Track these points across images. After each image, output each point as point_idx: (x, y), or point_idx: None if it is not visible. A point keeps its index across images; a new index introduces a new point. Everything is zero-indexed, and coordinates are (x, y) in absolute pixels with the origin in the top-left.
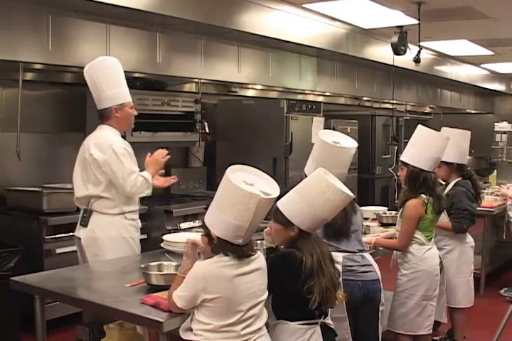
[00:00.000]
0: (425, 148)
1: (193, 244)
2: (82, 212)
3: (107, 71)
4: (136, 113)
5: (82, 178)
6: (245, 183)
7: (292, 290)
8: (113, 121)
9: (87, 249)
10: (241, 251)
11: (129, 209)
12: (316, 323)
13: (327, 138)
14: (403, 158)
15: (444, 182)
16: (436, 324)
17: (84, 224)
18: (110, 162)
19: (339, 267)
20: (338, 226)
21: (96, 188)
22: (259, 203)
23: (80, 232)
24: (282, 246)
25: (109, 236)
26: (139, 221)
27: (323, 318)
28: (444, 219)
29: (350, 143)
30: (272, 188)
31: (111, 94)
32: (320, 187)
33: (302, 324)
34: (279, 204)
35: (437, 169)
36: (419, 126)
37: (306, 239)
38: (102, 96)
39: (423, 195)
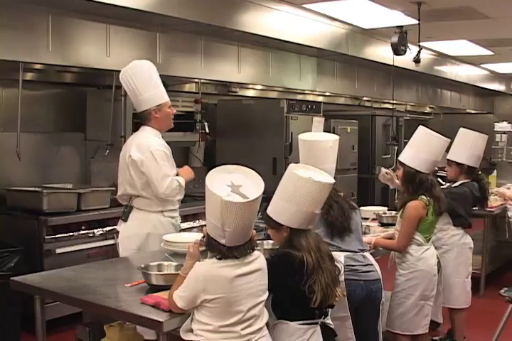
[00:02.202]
0: (422, 149)
1: (195, 244)
2: (124, 207)
3: (141, 74)
4: (175, 111)
5: (121, 178)
6: (230, 186)
7: (293, 290)
8: (153, 122)
9: (122, 243)
10: (225, 252)
11: (167, 208)
12: (316, 323)
13: (303, 136)
14: (400, 157)
15: (444, 183)
16: (436, 324)
17: (125, 219)
18: (147, 164)
19: (339, 265)
20: (340, 224)
21: (132, 189)
22: (224, 206)
23: (120, 226)
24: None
25: (146, 233)
26: (178, 218)
27: (324, 318)
28: (444, 219)
29: (328, 137)
30: (258, 190)
31: (148, 97)
32: (292, 182)
33: (302, 324)
34: (267, 209)
35: (447, 168)
36: (420, 126)
37: (300, 237)
38: (139, 100)
39: (424, 197)
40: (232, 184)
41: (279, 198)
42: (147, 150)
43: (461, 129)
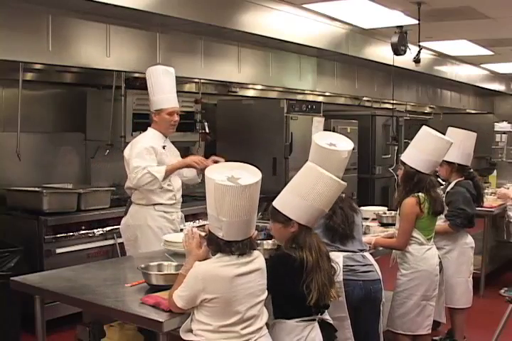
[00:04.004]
0: (424, 150)
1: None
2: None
3: (156, 78)
4: (176, 119)
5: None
6: (228, 177)
7: (292, 291)
8: (154, 123)
9: (123, 233)
10: (223, 246)
11: (158, 202)
12: (314, 320)
13: (320, 141)
14: (402, 157)
15: (443, 182)
16: (436, 324)
17: (125, 213)
18: (127, 158)
19: (336, 266)
20: (342, 230)
21: (129, 181)
22: (218, 191)
23: (122, 220)
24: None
25: (137, 224)
26: (174, 214)
27: (321, 314)
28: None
29: (344, 146)
30: (253, 178)
31: (154, 100)
32: (312, 179)
33: (300, 321)
34: (274, 203)
35: (439, 167)
36: (424, 127)
37: (307, 233)
38: (150, 101)
39: (416, 194)
40: (232, 176)
41: (293, 193)
42: (135, 146)
43: (450, 128)
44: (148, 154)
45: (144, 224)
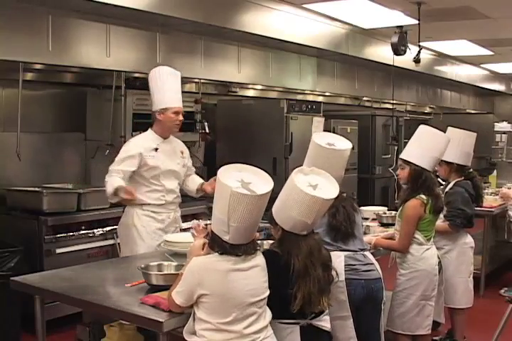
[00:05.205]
0: (428, 147)
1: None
2: None
3: (163, 77)
4: (181, 118)
5: None
6: (240, 182)
7: (274, 289)
8: (156, 124)
9: (118, 233)
10: (229, 249)
11: (145, 202)
12: (297, 323)
13: (320, 141)
14: (405, 156)
15: (443, 182)
16: (436, 324)
17: None
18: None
19: (335, 273)
20: (344, 229)
21: None
22: (233, 198)
23: None
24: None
25: (125, 223)
26: (163, 214)
27: (311, 319)
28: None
29: (344, 145)
30: (266, 185)
31: (158, 98)
32: (288, 188)
33: (280, 322)
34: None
35: (438, 167)
36: (422, 125)
37: (293, 240)
38: (152, 100)
39: (422, 196)
40: (242, 181)
41: (279, 198)
42: (123, 147)
43: (449, 128)
44: (127, 157)
45: (131, 223)
